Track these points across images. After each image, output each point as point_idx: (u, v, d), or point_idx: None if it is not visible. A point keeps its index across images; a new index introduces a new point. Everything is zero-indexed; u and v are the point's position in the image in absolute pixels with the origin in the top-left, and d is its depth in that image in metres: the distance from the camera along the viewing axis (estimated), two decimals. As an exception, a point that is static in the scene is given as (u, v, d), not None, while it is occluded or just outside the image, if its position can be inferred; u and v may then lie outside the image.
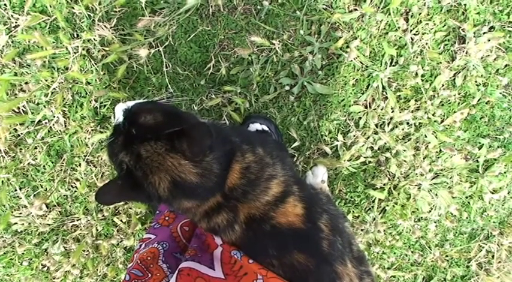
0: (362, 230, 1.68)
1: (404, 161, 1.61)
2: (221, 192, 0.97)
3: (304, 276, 0.94)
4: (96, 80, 1.46)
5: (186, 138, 0.89)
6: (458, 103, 1.60)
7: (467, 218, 1.73)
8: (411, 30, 1.52)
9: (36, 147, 1.52)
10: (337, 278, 0.96)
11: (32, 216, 1.58)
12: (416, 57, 1.54)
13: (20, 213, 1.59)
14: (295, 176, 1.14)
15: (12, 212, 1.58)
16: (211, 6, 1.46)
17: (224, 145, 0.99)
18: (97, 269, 1.65)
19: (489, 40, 1.52)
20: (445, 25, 1.53)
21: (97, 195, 0.92)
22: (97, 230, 1.61)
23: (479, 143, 1.65)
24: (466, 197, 1.71)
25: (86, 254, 1.64)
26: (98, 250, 1.63)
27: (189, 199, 0.96)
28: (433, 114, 1.58)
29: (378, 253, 1.73)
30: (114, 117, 1.03)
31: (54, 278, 1.66)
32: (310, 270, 0.94)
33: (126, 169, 0.92)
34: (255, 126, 1.49)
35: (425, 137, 1.60)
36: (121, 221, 1.61)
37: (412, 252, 1.76)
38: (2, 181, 1.54)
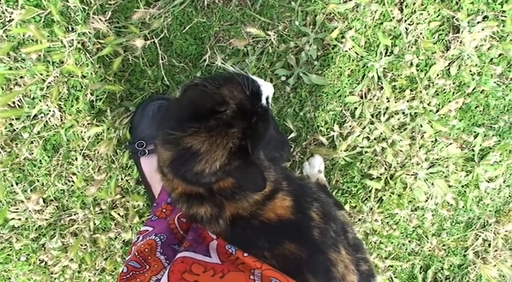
0: (359, 219, 1.69)
1: (401, 150, 1.62)
2: (204, 188, 0.97)
3: (297, 265, 0.94)
4: (91, 73, 1.46)
5: (240, 166, 0.89)
6: (453, 92, 1.61)
7: (463, 206, 1.74)
8: (406, 20, 1.52)
9: (32, 142, 1.51)
10: (332, 266, 0.97)
11: (29, 211, 1.57)
12: (411, 47, 1.55)
13: (17, 209, 1.58)
14: (284, 171, 1.15)
15: (9, 208, 1.57)
16: (206, -3, 1.46)
17: None
18: (95, 263, 1.65)
19: (483, 29, 1.53)
20: (439, 15, 1.54)
21: (191, 87, 0.91)
22: (94, 224, 1.61)
23: (475, 132, 1.66)
24: (462, 186, 1.72)
25: (84, 248, 1.63)
26: (95, 244, 1.63)
27: (175, 166, 0.94)
28: (428, 104, 1.59)
29: (375, 243, 1.74)
30: (260, 82, 1.00)
31: (52, 273, 1.66)
32: (302, 259, 0.94)
33: (219, 110, 0.89)
34: (252, 118, 1.49)
35: (421, 126, 1.61)
36: (118, 214, 1.60)
37: (409, 241, 1.77)
38: (-1, 176, 1.53)
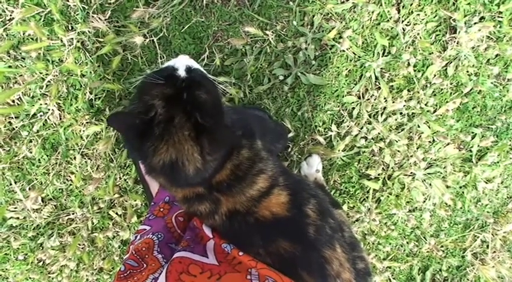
0: (357, 219, 1.69)
1: (398, 150, 1.62)
2: (204, 186, 0.99)
3: (292, 262, 0.95)
4: (90, 72, 1.47)
5: (208, 137, 0.90)
6: (451, 93, 1.62)
7: (461, 207, 1.74)
8: (403, 21, 1.53)
9: (31, 140, 1.52)
10: (326, 263, 0.97)
11: (28, 210, 1.57)
12: (408, 48, 1.56)
13: (15, 208, 1.58)
14: (282, 166, 1.16)
15: (7, 207, 1.57)
16: (205, -3, 1.48)
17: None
18: (93, 262, 1.65)
19: (480, 30, 1.54)
20: (436, 15, 1.55)
21: (111, 118, 0.90)
22: (92, 223, 1.61)
23: (472, 132, 1.67)
24: (460, 187, 1.72)
25: (82, 248, 1.63)
26: (93, 243, 1.63)
27: (170, 182, 0.99)
28: (425, 104, 1.60)
29: (373, 243, 1.74)
30: (171, 63, 1.01)
31: (50, 272, 1.66)
32: (296, 256, 0.95)
33: (151, 117, 0.90)
34: (250, 117, 1.50)
35: (419, 126, 1.61)
36: (116, 213, 1.61)
37: (407, 242, 1.76)
38: (-3, 175, 1.54)
